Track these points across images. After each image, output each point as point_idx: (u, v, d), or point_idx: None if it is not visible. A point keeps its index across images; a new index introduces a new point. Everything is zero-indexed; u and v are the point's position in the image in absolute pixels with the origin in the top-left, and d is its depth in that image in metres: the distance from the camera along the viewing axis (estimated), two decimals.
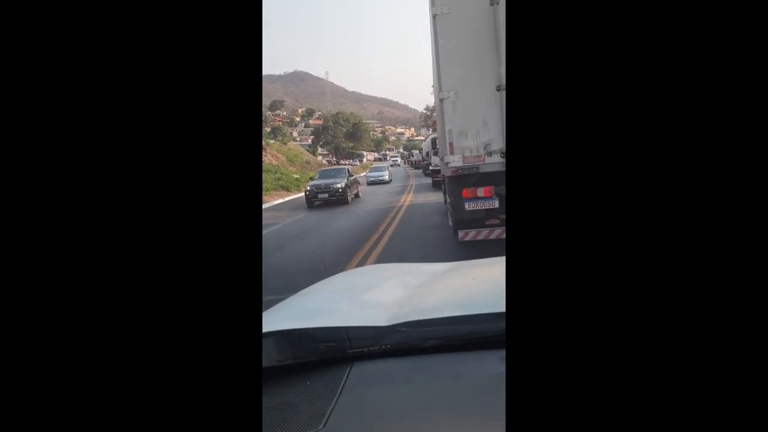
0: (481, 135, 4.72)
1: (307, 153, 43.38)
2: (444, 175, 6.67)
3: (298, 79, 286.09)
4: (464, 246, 5.24)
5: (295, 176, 25.37)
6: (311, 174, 28.70)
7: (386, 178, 24.93)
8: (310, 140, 74.85)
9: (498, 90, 4.60)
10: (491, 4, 4.53)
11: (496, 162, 4.74)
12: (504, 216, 5.00)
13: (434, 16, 4.63)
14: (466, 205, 4.95)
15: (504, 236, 4.86)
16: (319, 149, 65.79)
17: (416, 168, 38.56)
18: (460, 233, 5.15)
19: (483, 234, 5.04)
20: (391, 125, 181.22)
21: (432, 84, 6.58)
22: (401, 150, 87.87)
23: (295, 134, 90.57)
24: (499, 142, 4.71)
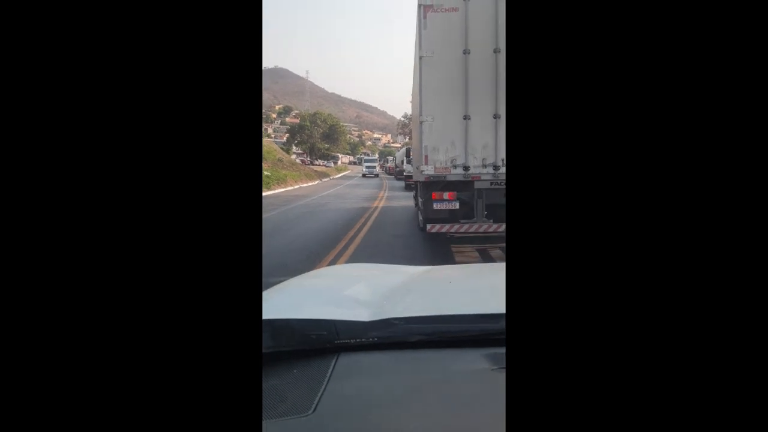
0: (449, 152, 6.06)
1: (281, 151, 41.72)
2: (416, 181, 8.03)
3: (278, 75, 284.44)
4: (431, 235, 6.61)
5: (266, 173, 24.21)
6: (283, 172, 28.06)
7: None
8: (285, 138, 74.09)
9: (464, 119, 5.99)
10: (464, 53, 5.92)
11: (458, 174, 6.09)
12: (461, 214, 6.37)
13: (420, 58, 5.98)
14: (434, 205, 6.29)
15: (461, 230, 6.24)
16: (294, 148, 64.49)
17: (389, 174, 39.71)
18: (428, 226, 6.49)
19: (446, 228, 6.39)
20: (368, 130, 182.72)
21: (410, 99, 7.95)
22: (376, 155, 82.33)
23: (270, 131, 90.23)
24: (461, 159, 6.08)
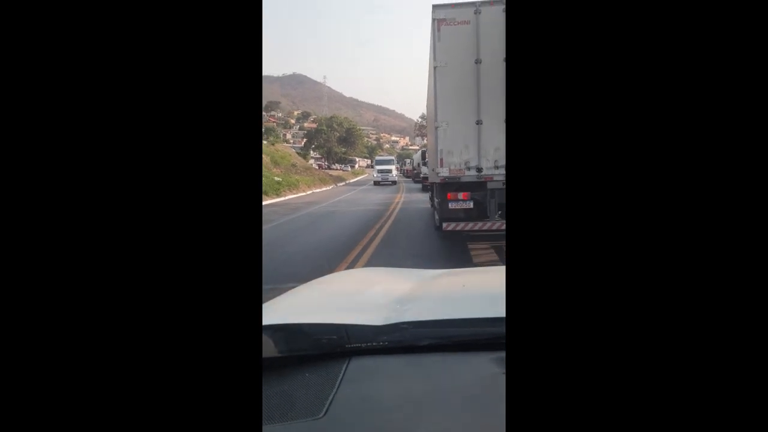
0: (463, 155, 6.49)
1: (296, 156, 39.61)
2: (432, 182, 8.48)
3: (296, 81, 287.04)
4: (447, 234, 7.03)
5: (277, 179, 23.12)
6: (296, 177, 26.28)
7: None
8: (303, 143, 74.19)
9: (477, 124, 6.41)
10: (476, 63, 6.34)
11: (472, 175, 6.52)
12: (475, 214, 6.77)
13: (435, 68, 6.43)
14: (450, 205, 6.72)
15: (476, 228, 6.63)
16: (312, 153, 63.88)
17: (407, 176, 38.35)
18: (444, 224, 6.91)
19: (460, 226, 6.80)
20: (386, 133, 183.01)
21: (426, 101, 8.41)
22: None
23: (288, 136, 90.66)
24: (475, 161, 6.50)
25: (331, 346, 0.89)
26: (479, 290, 1.38)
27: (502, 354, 0.81)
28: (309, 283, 1.46)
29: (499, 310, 0.93)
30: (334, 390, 0.76)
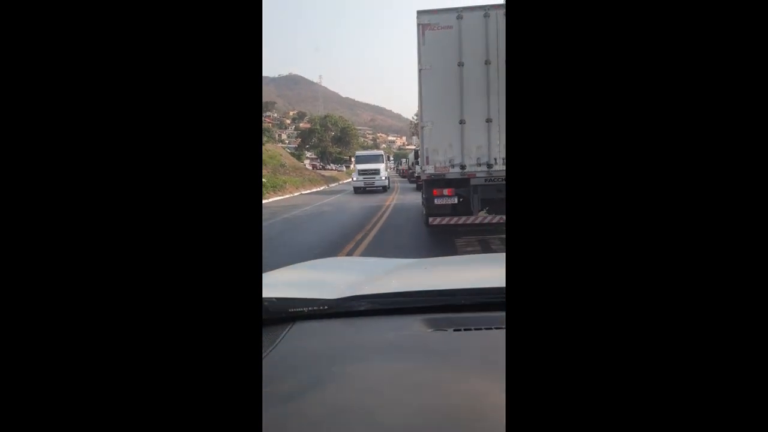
0: (447, 153, 6.84)
1: (288, 155, 39.61)
2: (421, 179, 8.86)
3: (292, 82, 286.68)
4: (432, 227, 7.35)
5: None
6: (283, 178, 25.07)
7: None
8: (297, 143, 73.70)
9: (460, 123, 6.76)
10: (458, 66, 6.69)
11: (456, 172, 6.86)
12: (460, 209, 7.11)
13: (420, 70, 6.78)
14: (436, 201, 7.07)
15: (460, 222, 6.98)
16: (306, 153, 63.35)
17: (403, 176, 38.09)
18: (431, 219, 7.27)
19: (445, 220, 7.16)
20: (383, 133, 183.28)
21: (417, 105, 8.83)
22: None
23: (284, 137, 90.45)
24: (458, 159, 6.85)
25: (274, 310, 0.97)
26: (438, 270, 1.48)
27: (432, 315, 0.97)
28: (281, 269, 1.53)
29: (445, 283, 1.11)
30: (273, 346, 0.85)
